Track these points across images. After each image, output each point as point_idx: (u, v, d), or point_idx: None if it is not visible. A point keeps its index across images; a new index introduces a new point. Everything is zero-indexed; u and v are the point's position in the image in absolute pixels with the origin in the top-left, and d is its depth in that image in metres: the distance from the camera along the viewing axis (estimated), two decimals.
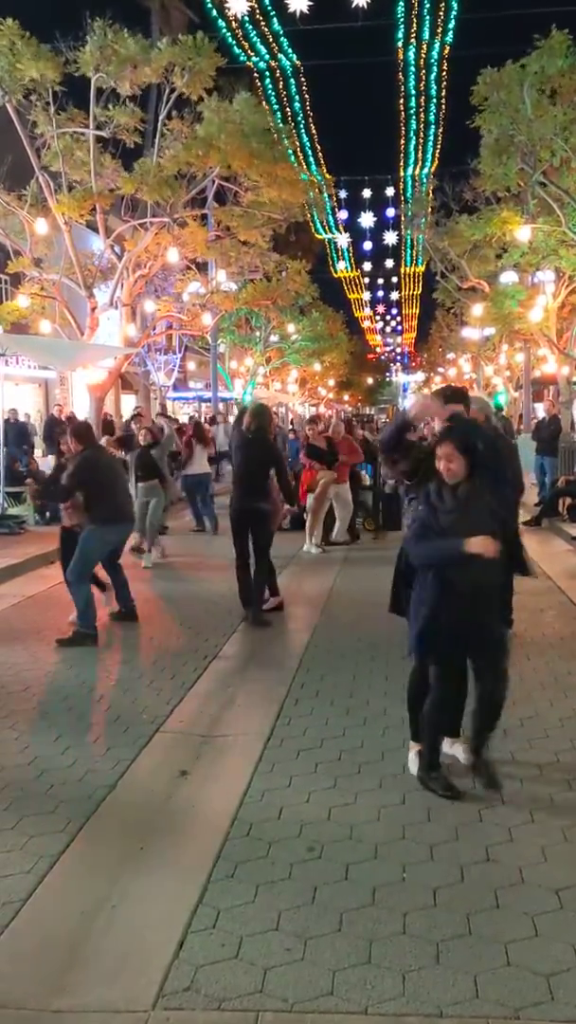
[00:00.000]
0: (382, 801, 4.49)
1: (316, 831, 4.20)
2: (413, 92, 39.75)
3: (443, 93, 39.30)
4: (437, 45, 32.49)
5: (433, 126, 41.91)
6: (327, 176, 27.11)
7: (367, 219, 41.67)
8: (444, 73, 37.87)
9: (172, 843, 4.13)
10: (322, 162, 40.01)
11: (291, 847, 4.05)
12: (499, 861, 3.88)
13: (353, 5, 15.37)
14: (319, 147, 40.38)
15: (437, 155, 42.46)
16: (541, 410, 31.68)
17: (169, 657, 7.30)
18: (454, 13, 30.63)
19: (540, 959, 3.18)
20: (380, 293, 75.91)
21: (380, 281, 72.45)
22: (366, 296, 74.69)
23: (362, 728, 5.54)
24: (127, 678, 6.79)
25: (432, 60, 35.65)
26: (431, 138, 42.20)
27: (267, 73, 34.78)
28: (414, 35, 32.85)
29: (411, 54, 34.17)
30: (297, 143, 25.07)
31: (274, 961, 3.20)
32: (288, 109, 37.38)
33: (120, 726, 5.69)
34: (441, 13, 31.22)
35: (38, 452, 20.01)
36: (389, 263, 61.71)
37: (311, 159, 37.14)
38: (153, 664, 7.14)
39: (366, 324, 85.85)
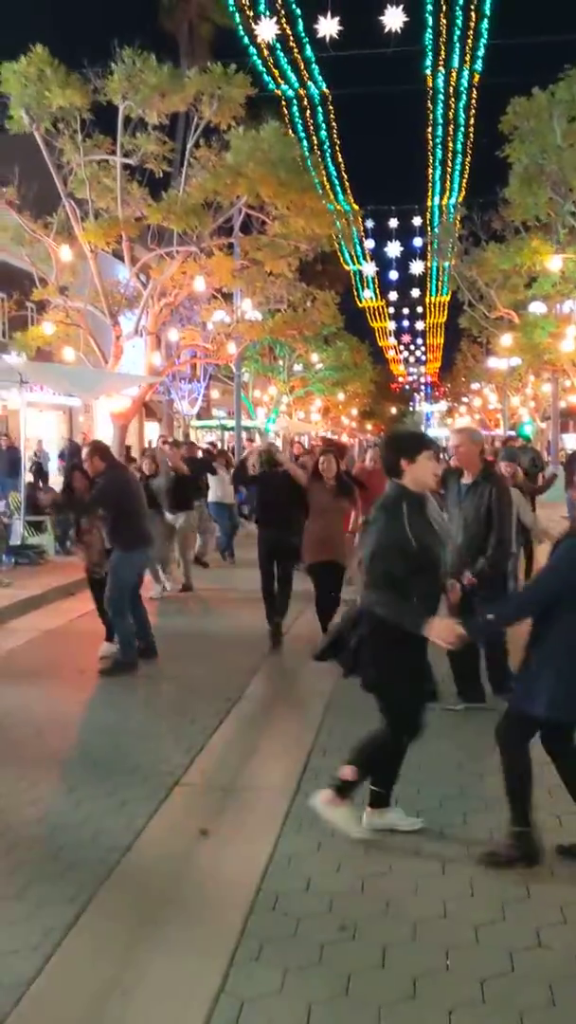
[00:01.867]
0: (420, 871, 4.11)
1: (348, 905, 3.83)
2: (441, 120, 39.80)
3: (471, 121, 39.30)
4: (466, 73, 32.48)
5: (460, 155, 41.91)
6: (354, 206, 27.03)
7: (393, 248, 41.63)
8: (473, 101, 37.86)
9: (191, 916, 3.78)
10: (348, 191, 40.05)
11: (321, 924, 3.69)
12: (552, 948, 3.50)
13: (386, 31, 15.27)
14: (346, 176, 40.46)
15: (465, 184, 42.43)
16: (569, 441, 31.32)
17: (190, 699, 6.97)
18: (483, 40, 30.62)
19: None
20: (405, 323, 75.95)
21: (405, 311, 72.51)
22: (391, 325, 74.77)
23: (396, 784, 5.16)
24: (145, 723, 6.46)
25: (461, 88, 35.66)
26: (459, 167, 42.18)
27: (294, 101, 34.92)
28: (443, 62, 32.86)
29: (440, 81, 34.19)
30: (324, 172, 24.95)
31: None
32: (315, 138, 37.51)
33: (137, 777, 5.34)
34: (470, 40, 31.23)
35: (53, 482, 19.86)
36: (415, 292, 61.75)
37: (338, 188, 37.16)
38: (173, 707, 6.81)
39: (390, 354, 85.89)
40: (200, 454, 15.96)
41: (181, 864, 4.25)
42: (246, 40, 27.05)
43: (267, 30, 17.50)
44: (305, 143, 30.50)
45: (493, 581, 6.18)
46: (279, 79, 30.75)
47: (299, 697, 7.06)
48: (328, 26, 14.57)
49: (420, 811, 4.64)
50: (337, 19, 15.06)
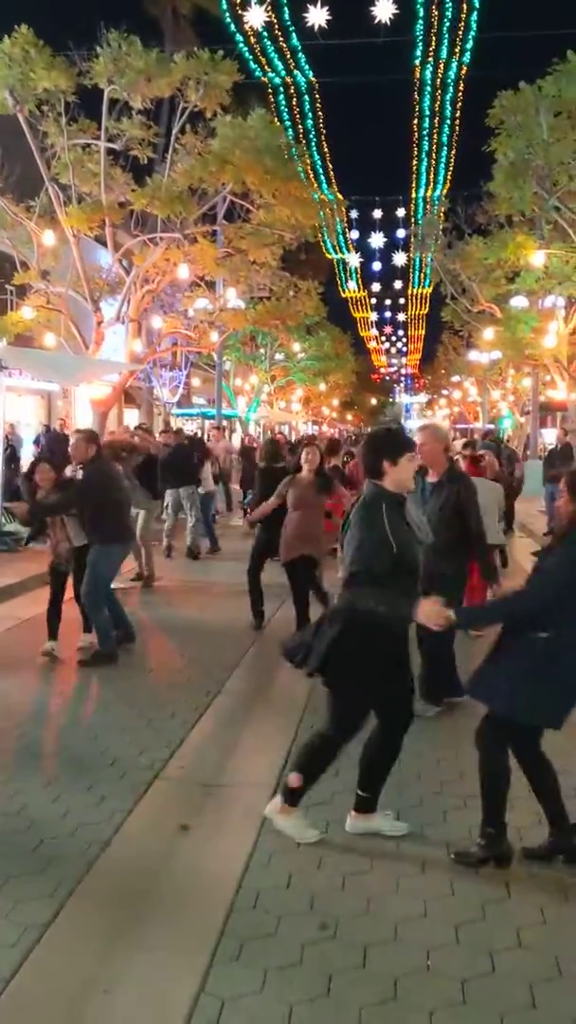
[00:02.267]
0: (400, 870, 4.11)
1: (329, 903, 3.83)
2: (428, 112, 39.72)
3: (458, 114, 39.26)
4: (454, 65, 32.42)
5: (446, 147, 41.87)
6: (339, 196, 26.94)
7: (377, 239, 41.57)
8: (460, 94, 37.82)
9: (171, 913, 3.76)
10: (333, 181, 39.92)
11: (302, 923, 3.68)
12: (531, 948, 3.51)
13: (376, 21, 15.17)
14: (331, 166, 40.31)
15: (450, 177, 42.41)
16: (548, 436, 31.44)
17: (169, 692, 6.94)
18: (472, 33, 30.55)
19: None
20: (387, 314, 75.97)
21: (387, 302, 72.49)
22: (373, 316, 74.77)
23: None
24: (125, 715, 6.40)
25: (449, 80, 35.60)
26: (444, 159, 42.14)
27: (280, 89, 34.73)
28: (431, 54, 32.78)
29: (427, 73, 34.11)
30: (309, 161, 24.82)
31: None
32: (301, 126, 37.33)
33: (116, 771, 5.31)
34: (460, 32, 31.16)
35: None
36: (397, 284, 61.73)
37: (323, 178, 37.01)
38: (152, 700, 6.76)
39: (371, 344, 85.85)
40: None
41: (161, 860, 4.23)
42: (233, 27, 26.88)
43: (256, 17, 17.30)
44: (290, 131, 30.34)
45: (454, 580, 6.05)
46: (266, 67, 30.57)
47: (279, 692, 7.03)
48: (317, 15, 14.47)
49: (400, 809, 4.65)
50: (326, 8, 14.98)
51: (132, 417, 32.09)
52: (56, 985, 3.29)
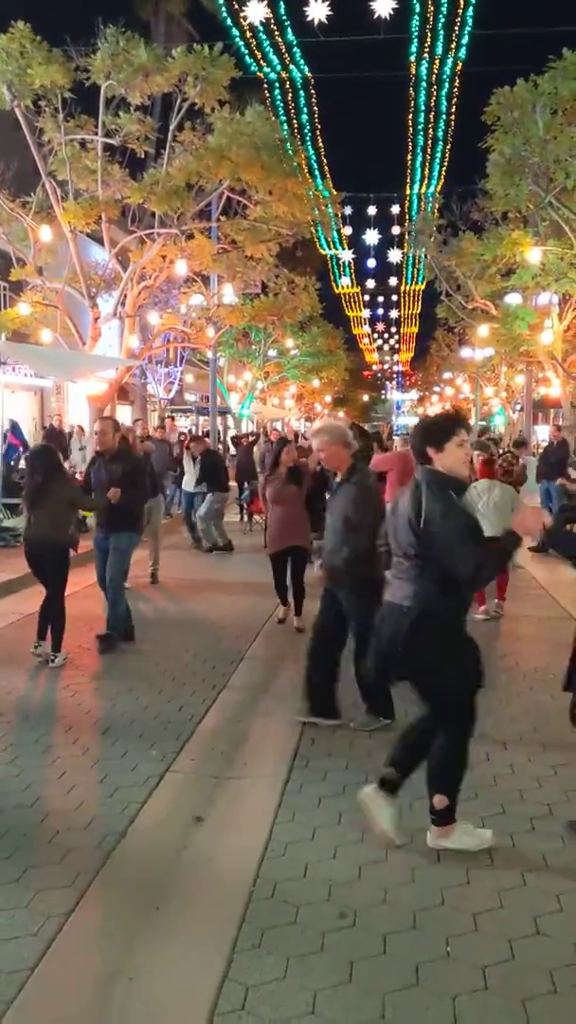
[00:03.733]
0: (414, 860, 4.15)
1: (346, 893, 3.87)
2: (423, 108, 39.71)
3: (453, 110, 39.26)
4: (450, 61, 32.42)
5: (441, 143, 41.87)
6: (333, 192, 26.93)
7: (371, 236, 41.55)
8: (456, 90, 37.83)
9: (190, 903, 3.80)
10: (328, 176, 39.89)
11: (321, 912, 3.72)
12: (552, 936, 3.55)
13: (375, 16, 15.16)
14: (325, 161, 40.26)
15: (444, 173, 42.43)
16: (541, 433, 31.57)
17: (177, 686, 6.96)
18: (468, 29, 30.55)
19: None
20: (380, 311, 75.95)
21: (380, 299, 72.48)
22: (365, 313, 74.73)
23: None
24: (133, 708, 6.42)
25: (444, 76, 35.61)
26: (439, 155, 42.14)
27: (276, 84, 34.69)
28: (427, 50, 32.77)
29: (423, 69, 34.09)
30: (304, 157, 24.81)
31: None
32: (296, 122, 37.29)
33: (128, 763, 5.34)
34: (456, 28, 31.15)
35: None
36: (391, 281, 61.71)
37: (317, 173, 36.96)
38: (159, 694, 6.78)
39: (364, 342, 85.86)
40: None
41: (177, 851, 4.26)
42: (229, 22, 26.83)
43: (256, 13, 17.26)
44: (286, 127, 30.31)
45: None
46: (261, 62, 30.51)
47: (286, 688, 7.04)
48: (318, 10, 14.44)
49: (412, 802, 4.67)
50: (327, 3, 14.91)
51: (125, 414, 32.06)
52: (80, 973, 3.32)
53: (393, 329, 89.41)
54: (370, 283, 57.10)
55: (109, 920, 3.67)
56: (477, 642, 4.19)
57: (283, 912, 3.73)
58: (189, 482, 14.62)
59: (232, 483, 22.17)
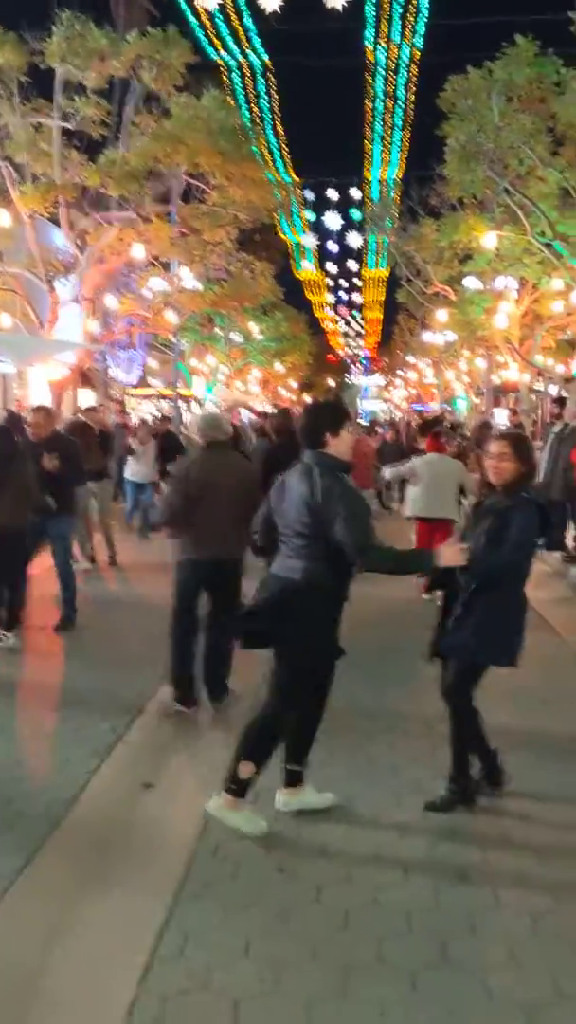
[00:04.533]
0: (354, 819, 4.37)
1: (286, 851, 4.07)
2: (381, 95, 39.88)
3: (411, 97, 39.48)
4: (406, 48, 32.61)
5: (399, 129, 42.07)
6: (294, 177, 27.04)
7: (332, 220, 41.69)
8: (413, 77, 38.04)
9: (136, 862, 3.98)
10: (288, 162, 39.96)
11: (260, 867, 3.92)
12: (473, 882, 3.79)
13: (329, 6, 15.26)
14: (285, 147, 40.33)
15: (403, 159, 42.65)
16: (500, 416, 31.93)
17: (131, 665, 7.10)
18: (424, 17, 30.75)
19: (519, 988, 3.08)
20: (343, 295, 76.15)
21: (344, 283, 72.66)
22: (329, 298, 74.87)
23: (331, 741, 5.41)
24: (86, 686, 6.57)
25: (401, 63, 35.79)
26: (398, 141, 42.35)
27: (235, 70, 34.69)
28: (384, 37, 32.93)
29: (381, 56, 34.25)
30: (264, 142, 24.90)
31: (246, 992, 3.07)
32: (256, 107, 37.31)
33: (80, 736, 5.49)
34: (411, 17, 31.34)
35: None
36: (353, 265, 61.92)
37: (277, 158, 37.03)
38: (113, 672, 6.92)
39: (328, 326, 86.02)
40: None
41: (126, 815, 4.44)
42: (184, 6, 26.76)
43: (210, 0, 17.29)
44: (245, 112, 30.32)
45: None
46: (220, 48, 30.49)
47: (238, 661, 7.19)
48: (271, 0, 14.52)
49: (351, 759, 4.89)
50: None
51: (88, 398, 31.96)
52: (28, 928, 3.49)
53: (357, 314, 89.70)
54: (333, 268, 57.25)
55: (57, 879, 3.85)
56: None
57: (224, 868, 3.92)
58: (139, 471, 13.93)
59: None
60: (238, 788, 4.24)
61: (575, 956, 3.28)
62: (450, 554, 4.25)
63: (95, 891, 3.71)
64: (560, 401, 13.21)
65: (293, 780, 4.47)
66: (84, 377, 24.97)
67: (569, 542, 11.91)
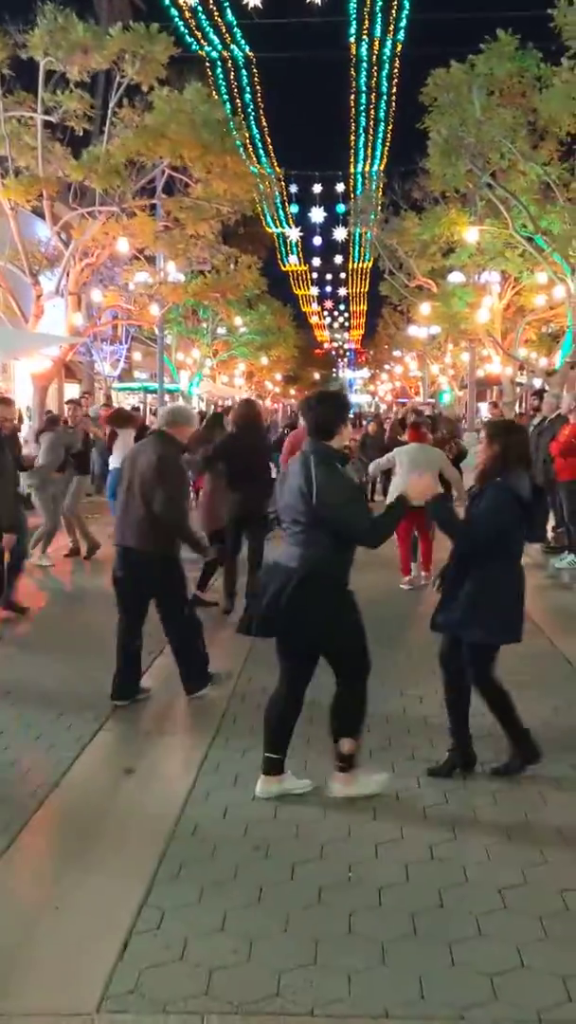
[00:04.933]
0: (328, 800, 4.48)
1: (262, 831, 4.19)
2: (364, 88, 39.92)
3: (394, 90, 39.54)
4: (389, 42, 32.66)
5: (383, 123, 42.12)
6: (277, 169, 27.08)
7: (317, 214, 41.72)
8: (396, 71, 38.09)
9: (116, 843, 4.09)
10: (272, 155, 39.96)
11: (237, 846, 4.04)
12: (443, 860, 3.91)
13: (308, 2, 15.32)
14: (269, 140, 40.31)
15: (387, 152, 42.71)
16: (485, 410, 32.11)
17: (112, 654, 7.18)
18: (406, 12, 30.81)
19: (484, 960, 3.21)
20: (328, 288, 76.19)
21: (328, 276, 72.70)
22: (314, 291, 74.90)
23: (308, 727, 5.52)
24: (69, 676, 6.67)
25: (384, 57, 35.83)
26: (381, 135, 42.41)
27: (218, 63, 34.64)
28: (366, 31, 32.97)
29: (363, 50, 34.30)
30: (247, 135, 24.91)
31: (220, 963, 3.18)
32: (239, 100, 37.27)
33: (62, 723, 5.60)
34: (393, 11, 31.40)
35: None
36: (338, 259, 61.97)
37: (261, 152, 37.04)
38: (96, 661, 6.98)
39: (314, 319, 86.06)
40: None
41: (107, 798, 4.55)
42: (168, 1, 26.71)
43: None
44: (228, 106, 30.32)
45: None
46: (202, 41, 30.45)
47: (218, 654, 7.31)
48: None
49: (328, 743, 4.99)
50: None
51: (73, 391, 31.97)
52: (10, 905, 3.59)
53: (343, 307, 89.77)
54: (318, 261, 57.29)
55: (39, 858, 3.96)
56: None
57: (202, 847, 4.04)
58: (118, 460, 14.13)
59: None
60: (347, 764, 4.48)
61: (540, 929, 3.40)
62: (417, 487, 4.53)
63: (76, 870, 3.82)
64: (539, 394, 13.36)
65: (275, 768, 4.57)
66: (68, 370, 24.97)
67: (549, 533, 12.08)
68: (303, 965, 3.17)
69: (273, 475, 9.57)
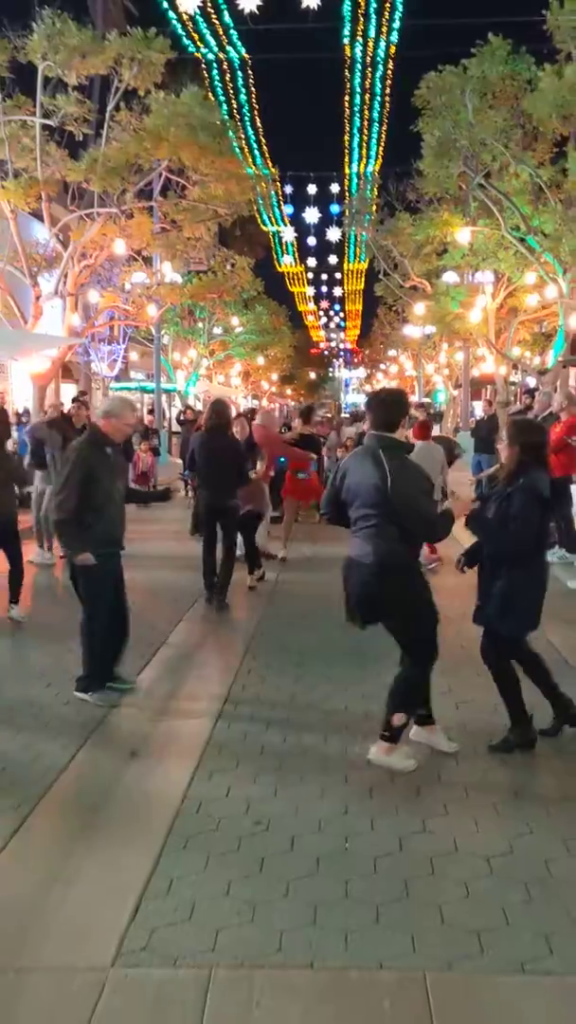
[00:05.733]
0: (326, 781, 4.71)
1: (263, 808, 4.41)
2: (359, 90, 40.15)
3: (387, 92, 39.78)
4: (383, 44, 32.89)
5: (377, 124, 42.36)
6: (272, 170, 27.30)
7: (312, 215, 41.93)
8: (389, 72, 38.33)
9: (124, 819, 4.31)
10: (267, 156, 40.16)
11: (240, 822, 4.26)
12: (435, 832, 4.14)
13: (303, 6, 15.53)
14: (263, 141, 40.51)
15: (381, 153, 42.95)
16: (478, 409, 32.35)
17: None
18: (399, 14, 31.06)
19: (472, 919, 3.44)
20: (324, 288, 76.41)
21: (324, 276, 72.92)
22: (310, 291, 75.11)
23: (306, 713, 5.77)
24: (75, 665, 6.85)
25: (378, 59, 36.06)
26: (375, 136, 42.64)
27: (214, 65, 34.83)
28: (360, 33, 33.20)
29: (358, 51, 34.51)
30: (243, 137, 25.14)
31: (225, 923, 3.41)
32: (235, 102, 37.47)
33: (70, 710, 5.82)
34: (387, 13, 31.64)
35: None
36: (333, 259, 62.17)
37: (256, 153, 37.25)
38: None
39: (309, 319, 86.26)
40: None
41: (114, 779, 4.76)
42: (165, 5, 26.90)
43: (189, 2, 17.49)
44: (224, 108, 30.52)
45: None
46: (198, 43, 30.66)
47: (220, 645, 7.59)
48: (248, 1, 14.74)
49: (326, 729, 5.24)
50: None
51: (69, 391, 32.15)
52: (26, 875, 3.81)
53: (338, 307, 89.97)
54: (313, 261, 57.50)
55: (51, 834, 4.17)
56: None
57: (207, 823, 4.26)
58: None
59: (177, 459, 22.65)
60: (391, 735, 4.78)
61: (525, 892, 3.63)
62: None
63: (87, 844, 4.04)
64: (531, 393, 13.58)
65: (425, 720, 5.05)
66: (65, 370, 25.14)
67: None
68: (303, 925, 3.40)
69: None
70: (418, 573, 4.91)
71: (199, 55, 31.91)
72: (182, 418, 22.89)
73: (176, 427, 27.17)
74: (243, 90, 37.87)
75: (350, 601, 4.84)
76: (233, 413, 10.20)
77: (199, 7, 20.66)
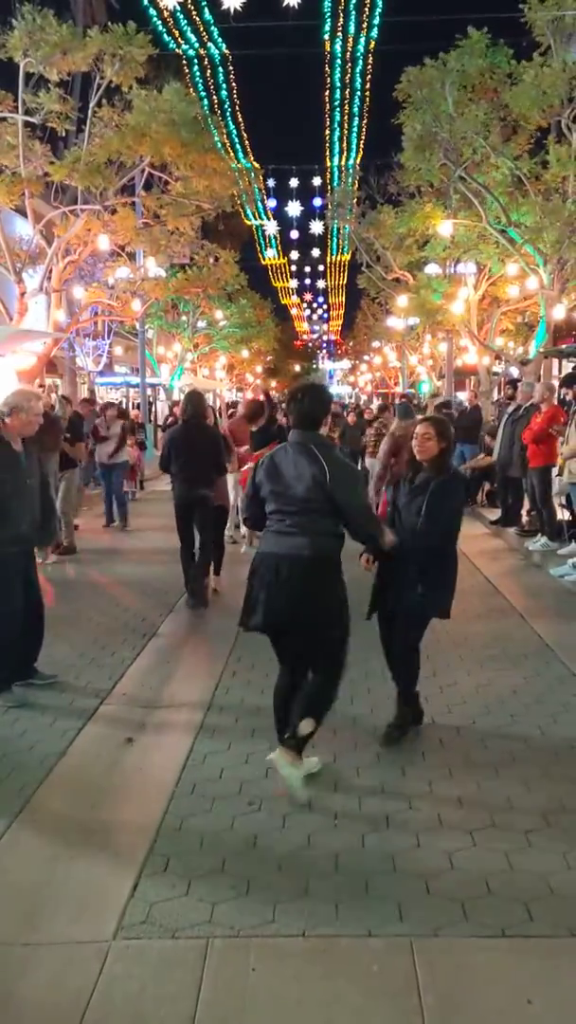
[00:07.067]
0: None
1: (255, 788, 4.57)
2: (339, 84, 40.23)
3: (367, 86, 39.89)
4: (363, 40, 32.99)
5: (357, 118, 42.46)
6: (255, 165, 27.36)
7: (294, 208, 42.02)
8: (369, 67, 38.44)
9: (122, 802, 4.47)
10: (249, 151, 40.20)
11: (233, 802, 4.42)
12: (420, 809, 4.32)
13: (284, 3, 15.62)
14: (246, 135, 40.55)
15: (362, 147, 43.05)
16: (461, 398, 32.53)
17: (109, 637, 7.57)
18: (379, 10, 31.17)
19: (456, 888, 3.61)
20: (307, 281, 76.52)
21: (307, 269, 73.02)
22: (293, 284, 75.15)
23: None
24: (69, 656, 7.00)
25: (358, 54, 36.15)
26: (356, 130, 42.74)
27: (195, 61, 34.86)
28: (340, 29, 33.30)
29: (338, 47, 34.60)
30: (225, 132, 25.21)
31: (221, 897, 3.57)
32: (216, 98, 37.48)
33: (66, 699, 5.97)
34: (367, 9, 31.76)
35: None
36: (316, 252, 62.29)
37: (239, 148, 37.28)
38: (92, 643, 7.39)
39: (293, 311, 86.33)
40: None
41: (110, 764, 4.92)
42: (146, 1, 26.91)
43: None
44: (206, 103, 30.56)
45: None
46: (179, 39, 30.67)
47: (210, 633, 7.73)
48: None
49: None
50: None
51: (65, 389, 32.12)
52: (29, 855, 3.96)
53: (321, 299, 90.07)
54: (296, 254, 57.56)
55: (52, 817, 4.32)
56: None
57: (201, 804, 4.42)
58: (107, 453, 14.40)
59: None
60: (297, 744, 4.44)
61: (506, 862, 3.81)
62: (389, 540, 4.92)
63: (86, 826, 4.20)
64: (514, 383, 13.75)
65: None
66: (50, 365, 25.15)
67: (524, 517, 12.52)
68: (295, 898, 3.57)
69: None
70: (341, 572, 4.70)
71: (180, 51, 31.93)
72: (169, 422, 22.82)
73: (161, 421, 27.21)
74: (224, 86, 37.90)
75: (270, 601, 4.53)
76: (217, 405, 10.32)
77: (179, 3, 20.70)
